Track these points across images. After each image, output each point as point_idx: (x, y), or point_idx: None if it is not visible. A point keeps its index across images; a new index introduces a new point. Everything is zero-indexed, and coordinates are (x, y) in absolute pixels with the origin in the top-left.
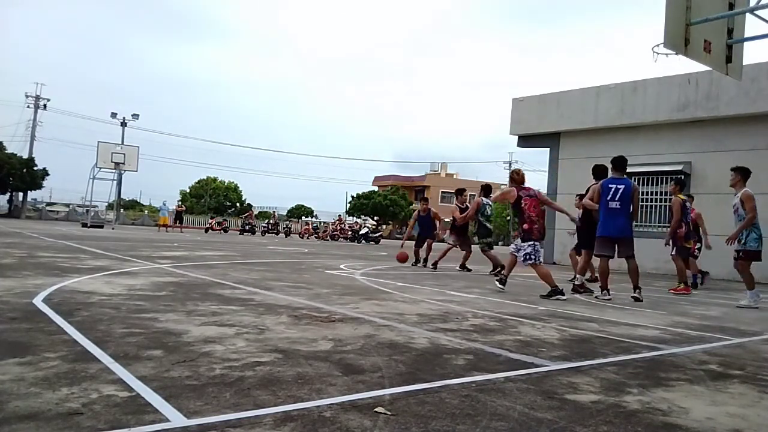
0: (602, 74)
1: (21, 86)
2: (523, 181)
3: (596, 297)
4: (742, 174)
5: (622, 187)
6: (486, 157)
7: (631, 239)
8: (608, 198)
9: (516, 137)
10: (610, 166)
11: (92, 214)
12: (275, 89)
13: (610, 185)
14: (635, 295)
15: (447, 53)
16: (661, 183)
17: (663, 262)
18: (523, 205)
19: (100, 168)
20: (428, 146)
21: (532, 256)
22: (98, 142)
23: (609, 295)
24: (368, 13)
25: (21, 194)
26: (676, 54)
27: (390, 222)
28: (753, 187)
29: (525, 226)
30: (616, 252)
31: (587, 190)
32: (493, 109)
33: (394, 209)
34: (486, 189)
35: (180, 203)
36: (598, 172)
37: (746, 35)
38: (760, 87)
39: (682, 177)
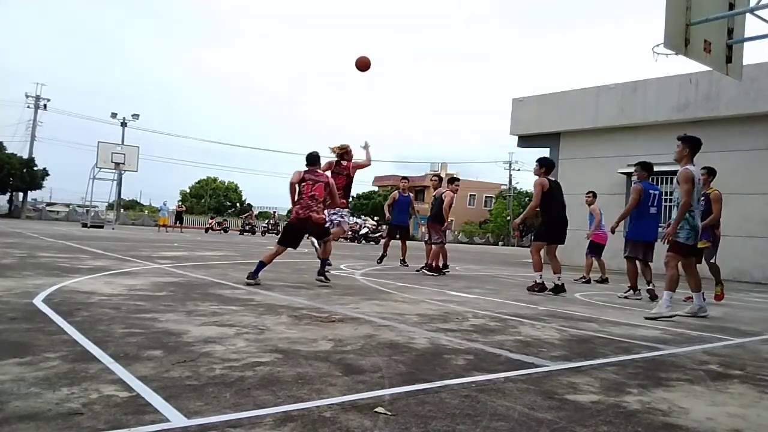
0: (602, 74)
1: (21, 86)
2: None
3: (620, 296)
4: (690, 145)
5: (658, 192)
6: (486, 157)
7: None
8: (649, 203)
9: (516, 137)
10: (639, 169)
11: (92, 214)
12: (275, 89)
13: (650, 191)
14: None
15: (447, 53)
16: (661, 183)
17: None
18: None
19: (100, 168)
20: (428, 146)
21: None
22: (98, 142)
23: (638, 294)
24: (367, 13)
25: (21, 194)
26: (676, 54)
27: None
28: (753, 187)
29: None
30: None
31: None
32: (493, 109)
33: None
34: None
35: (180, 203)
36: (646, 168)
37: (746, 35)
38: (760, 87)
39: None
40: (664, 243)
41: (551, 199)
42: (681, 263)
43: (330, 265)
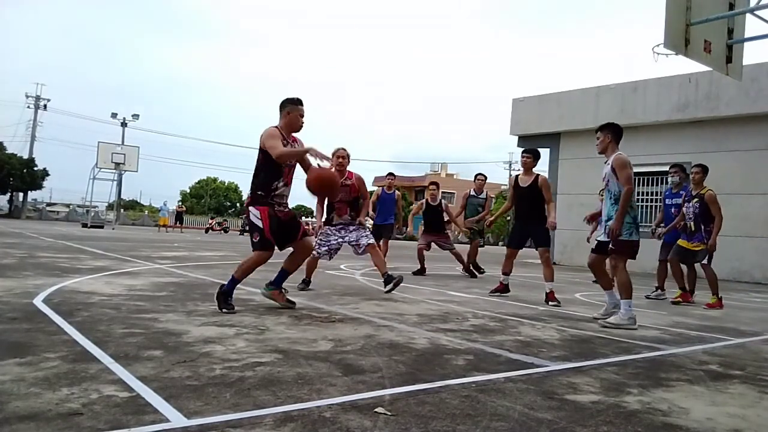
0: (602, 74)
1: (21, 86)
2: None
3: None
4: (613, 132)
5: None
6: (486, 157)
7: None
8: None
9: (516, 137)
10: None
11: (92, 214)
12: (276, 89)
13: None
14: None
15: (447, 52)
16: (661, 183)
17: None
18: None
19: (100, 168)
20: (428, 146)
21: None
22: (98, 142)
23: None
24: (368, 12)
25: (21, 194)
26: (677, 54)
27: None
28: (753, 187)
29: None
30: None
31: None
32: (494, 109)
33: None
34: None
35: (180, 203)
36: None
37: (746, 35)
38: (760, 87)
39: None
40: (608, 238)
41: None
42: (594, 260)
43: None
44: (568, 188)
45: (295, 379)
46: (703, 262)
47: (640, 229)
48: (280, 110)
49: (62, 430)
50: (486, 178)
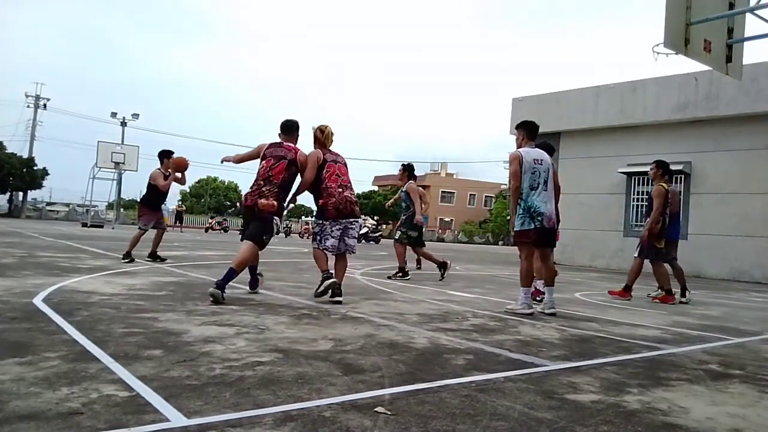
0: (602, 74)
1: (21, 86)
2: (290, 132)
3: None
4: (525, 129)
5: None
6: (486, 157)
7: None
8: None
9: None
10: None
11: (92, 213)
12: (275, 89)
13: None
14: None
15: (448, 52)
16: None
17: None
18: (324, 173)
19: (100, 168)
20: (428, 146)
21: (319, 237)
22: (98, 141)
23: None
24: (368, 12)
25: (21, 194)
26: (676, 54)
27: (390, 222)
28: (752, 187)
29: (320, 200)
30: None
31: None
32: (494, 109)
33: (394, 209)
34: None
35: (180, 203)
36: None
37: (746, 35)
38: (760, 87)
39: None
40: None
41: None
42: (537, 254)
43: (257, 280)
44: (568, 188)
45: (295, 379)
46: (646, 258)
47: (641, 229)
48: (291, 132)
49: (62, 429)
50: (404, 168)
